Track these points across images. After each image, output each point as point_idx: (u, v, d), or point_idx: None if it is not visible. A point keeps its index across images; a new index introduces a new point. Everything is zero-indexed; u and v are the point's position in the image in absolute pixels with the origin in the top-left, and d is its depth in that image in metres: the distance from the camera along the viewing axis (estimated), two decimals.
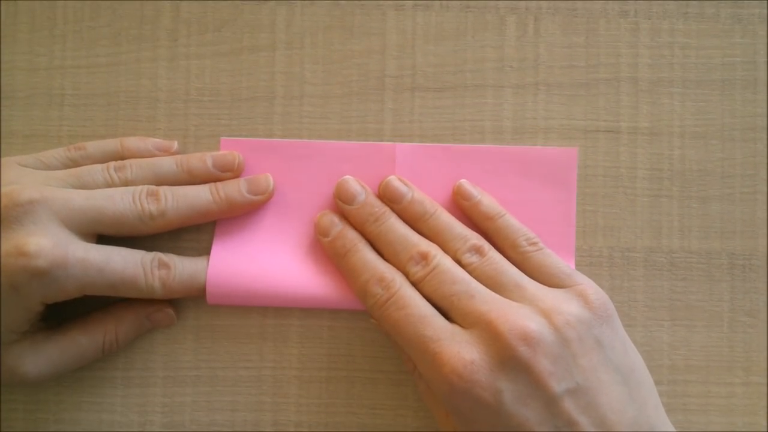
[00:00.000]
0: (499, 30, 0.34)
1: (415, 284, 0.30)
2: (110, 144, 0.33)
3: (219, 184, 0.32)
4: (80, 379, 0.32)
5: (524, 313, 0.27)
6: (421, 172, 0.33)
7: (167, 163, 0.32)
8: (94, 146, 0.32)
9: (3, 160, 0.32)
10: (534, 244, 0.31)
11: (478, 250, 0.30)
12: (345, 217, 0.32)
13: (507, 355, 0.26)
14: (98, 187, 0.31)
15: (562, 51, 0.34)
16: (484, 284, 0.29)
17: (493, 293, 0.29)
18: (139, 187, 0.30)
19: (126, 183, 0.31)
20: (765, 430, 0.33)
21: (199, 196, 0.31)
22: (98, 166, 0.31)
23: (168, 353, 0.33)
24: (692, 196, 0.33)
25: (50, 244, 0.28)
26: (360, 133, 0.34)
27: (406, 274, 0.30)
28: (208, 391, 0.33)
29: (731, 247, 0.33)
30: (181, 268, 0.31)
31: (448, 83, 0.34)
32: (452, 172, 0.33)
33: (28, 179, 0.30)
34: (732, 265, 0.33)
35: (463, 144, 0.33)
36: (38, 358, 0.30)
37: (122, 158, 0.32)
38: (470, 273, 0.30)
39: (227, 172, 0.32)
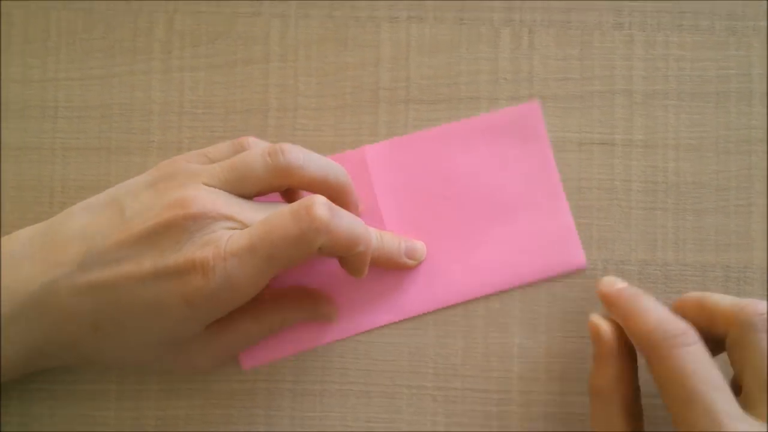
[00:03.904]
0: (493, 42, 0.34)
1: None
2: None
3: (385, 234, 0.32)
4: (74, 393, 0.32)
5: None
6: (396, 168, 0.33)
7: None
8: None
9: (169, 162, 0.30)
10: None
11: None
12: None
13: None
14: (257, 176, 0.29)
15: (556, 63, 0.34)
16: None
17: None
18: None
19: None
20: None
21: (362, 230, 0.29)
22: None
23: None
24: (687, 208, 0.33)
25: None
26: (354, 145, 0.33)
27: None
28: (202, 405, 0.32)
29: (726, 260, 0.33)
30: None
31: (443, 95, 0.34)
32: (426, 159, 0.33)
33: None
34: (727, 278, 0.33)
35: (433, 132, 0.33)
36: (210, 351, 0.30)
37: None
38: None
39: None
